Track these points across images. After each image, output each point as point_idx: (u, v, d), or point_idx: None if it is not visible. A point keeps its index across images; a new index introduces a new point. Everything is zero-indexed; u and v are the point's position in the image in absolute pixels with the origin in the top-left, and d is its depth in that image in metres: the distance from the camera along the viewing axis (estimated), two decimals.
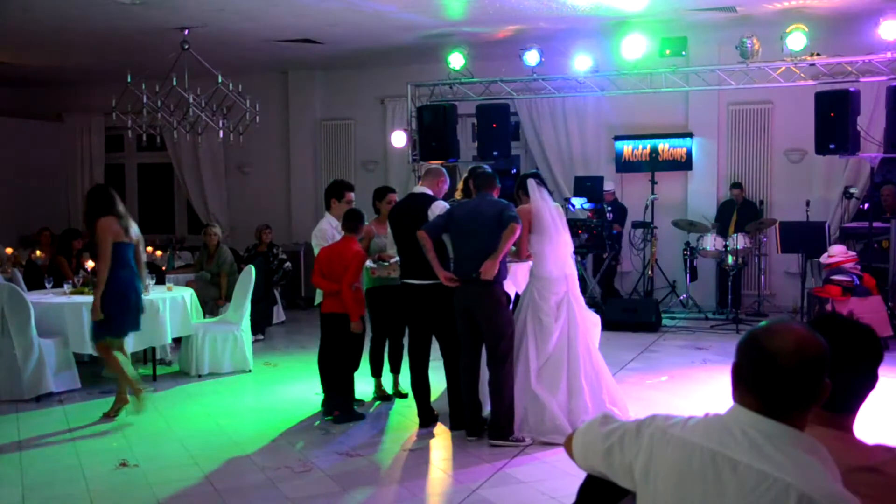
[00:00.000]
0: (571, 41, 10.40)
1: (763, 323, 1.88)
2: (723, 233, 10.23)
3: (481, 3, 8.86)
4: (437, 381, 6.08)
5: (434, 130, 10.77)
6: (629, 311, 9.88)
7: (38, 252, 10.42)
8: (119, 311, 6.14)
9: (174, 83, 9.20)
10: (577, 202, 10.60)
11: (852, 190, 9.99)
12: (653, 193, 10.81)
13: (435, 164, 8.78)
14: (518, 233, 5.44)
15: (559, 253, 5.85)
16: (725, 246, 9.86)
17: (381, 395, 6.83)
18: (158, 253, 11.06)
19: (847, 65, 9.28)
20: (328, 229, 6.65)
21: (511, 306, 5.81)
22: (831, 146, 9.18)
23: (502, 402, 5.49)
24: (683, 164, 11.11)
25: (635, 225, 10.81)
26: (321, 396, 6.47)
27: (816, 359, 1.76)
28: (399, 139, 11.67)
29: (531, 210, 5.84)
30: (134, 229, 6.33)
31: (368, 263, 6.51)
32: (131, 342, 7.26)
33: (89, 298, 7.28)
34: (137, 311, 6.29)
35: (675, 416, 1.95)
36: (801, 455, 1.72)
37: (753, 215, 10.49)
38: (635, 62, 9.97)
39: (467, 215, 5.63)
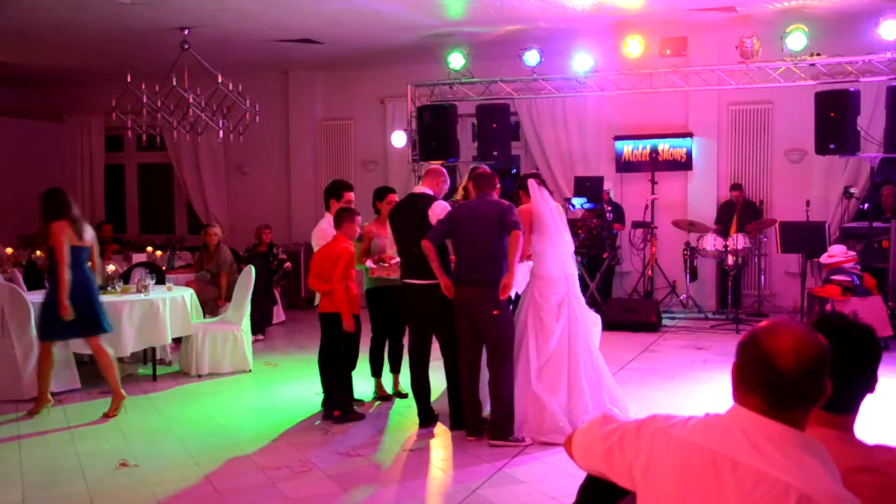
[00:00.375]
0: (571, 41, 10.40)
1: (763, 323, 1.88)
2: (723, 233, 10.23)
3: (481, 3, 8.86)
4: (437, 381, 6.08)
5: (434, 130, 10.78)
6: (629, 311, 9.89)
7: (38, 252, 10.42)
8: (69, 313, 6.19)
9: (174, 83, 9.20)
10: (577, 202, 10.61)
11: (852, 190, 9.99)
12: (652, 193, 10.81)
13: (435, 164, 8.78)
14: (522, 239, 5.47)
15: (560, 252, 5.85)
16: (725, 246, 9.86)
17: (381, 395, 6.83)
18: (158, 253, 11.06)
19: (847, 65, 9.29)
20: (328, 229, 6.64)
21: (511, 306, 5.82)
22: (831, 146, 9.18)
23: (502, 402, 5.49)
24: (683, 165, 11.11)
25: (635, 225, 10.81)
26: (321, 396, 6.48)
27: (817, 359, 1.76)
28: (399, 139, 11.67)
29: (532, 210, 5.85)
30: (88, 233, 6.44)
31: (368, 263, 6.51)
32: (132, 342, 7.30)
33: None
34: (90, 313, 6.30)
35: (675, 416, 1.95)
36: (801, 455, 1.72)
37: (753, 215, 10.48)
38: (635, 62, 9.98)
39: (467, 217, 5.63)
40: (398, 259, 6.15)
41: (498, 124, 10.65)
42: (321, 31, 10.20)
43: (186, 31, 9.58)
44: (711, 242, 10.01)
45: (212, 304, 9.00)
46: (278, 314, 10.63)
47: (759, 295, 10.50)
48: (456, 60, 10.52)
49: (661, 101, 10.85)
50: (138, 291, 7.59)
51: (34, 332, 6.79)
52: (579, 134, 11.60)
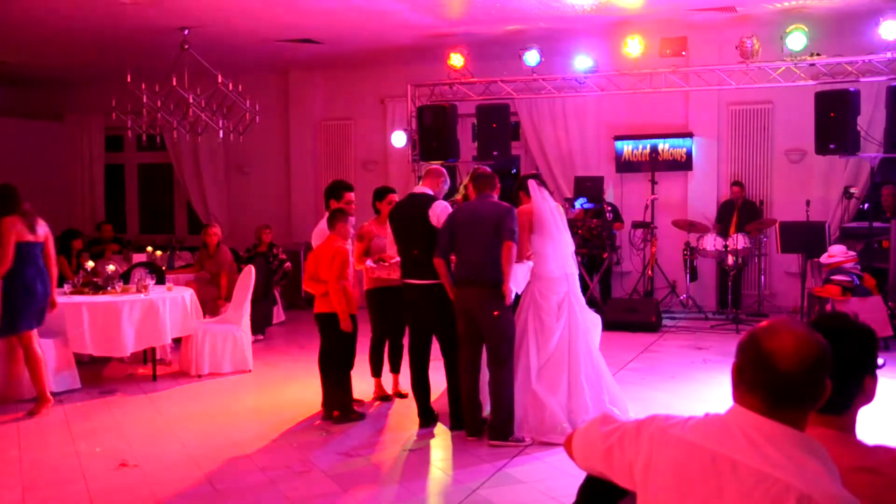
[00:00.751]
0: (571, 41, 10.40)
1: (763, 323, 1.88)
2: (722, 232, 10.23)
3: (481, 3, 8.86)
4: (437, 381, 6.08)
5: (434, 130, 10.78)
6: (629, 311, 9.89)
7: None
8: (23, 307, 6.31)
9: (174, 83, 9.20)
10: (577, 202, 10.61)
11: (852, 190, 9.99)
12: (652, 193, 10.81)
13: (435, 164, 8.78)
14: (514, 250, 5.48)
15: (560, 252, 5.86)
16: (725, 246, 9.86)
17: (380, 394, 6.83)
18: (158, 253, 11.06)
19: (847, 65, 9.29)
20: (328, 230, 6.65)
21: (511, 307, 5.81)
22: (831, 146, 9.18)
23: (502, 402, 5.50)
24: (683, 164, 11.11)
25: (635, 225, 10.81)
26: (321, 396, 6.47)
27: (817, 359, 1.76)
28: (399, 139, 11.67)
29: (532, 210, 5.85)
30: (42, 228, 6.52)
31: (368, 263, 6.51)
32: (132, 342, 7.30)
33: (90, 298, 7.34)
34: (42, 307, 6.45)
35: (675, 416, 1.95)
36: (801, 455, 1.72)
37: (753, 215, 10.48)
38: (635, 62, 9.98)
39: (467, 219, 5.64)
40: (398, 259, 6.15)
41: (498, 124, 10.65)
42: (321, 31, 10.20)
43: (186, 31, 9.58)
44: (711, 242, 10.01)
45: (212, 304, 8.99)
46: (278, 314, 10.63)
47: (759, 295, 10.50)
48: (456, 60, 10.53)
49: (661, 101, 10.86)
50: (138, 291, 7.60)
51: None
52: (579, 134, 11.59)
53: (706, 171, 11.13)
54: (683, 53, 10.05)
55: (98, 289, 7.65)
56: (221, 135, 9.99)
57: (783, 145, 10.90)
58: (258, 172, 13.58)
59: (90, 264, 8.31)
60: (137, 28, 9.69)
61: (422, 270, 5.81)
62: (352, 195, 6.77)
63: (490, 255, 5.50)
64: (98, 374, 7.74)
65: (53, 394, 6.79)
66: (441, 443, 5.73)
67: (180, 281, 9.12)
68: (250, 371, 7.92)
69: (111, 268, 8.07)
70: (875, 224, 9.41)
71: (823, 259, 8.87)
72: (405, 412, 6.41)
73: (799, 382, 1.75)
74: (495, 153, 10.61)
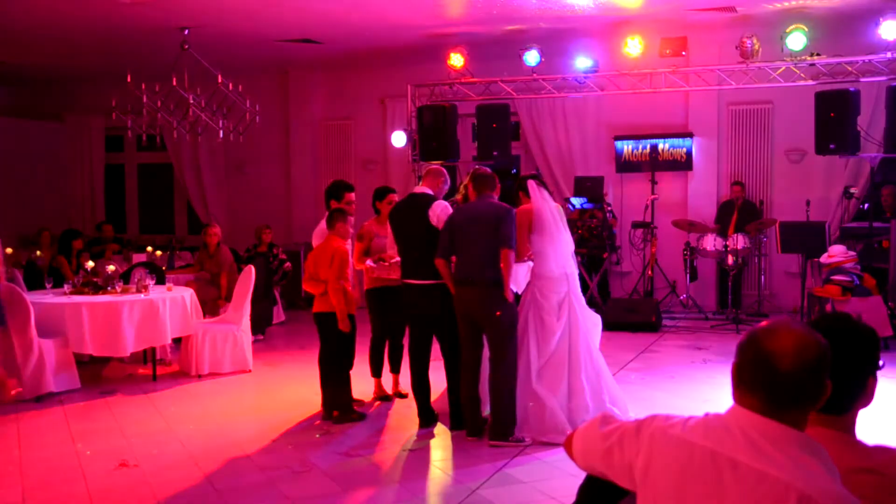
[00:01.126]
0: (571, 41, 10.41)
1: (763, 323, 1.88)
2: (721, 232, 10.23)
3: (481, 3, 8.86)
4: (437, 381, 6.08)
5: (434, 131, 10.78)
6: (629, 311, 9.89)
7: (38, 252, 10.42)
8: None
9: (174, 83, 9.20)
10: (577, 202, 10.60)
11: (852, 190, 9.99)
12: (652, 193, 10.81)
13: (435, 164, 8.78)
14: (512, 257, 5.50)
15: (560, 252, 5.86)
16: (725, 246, 9.86)
17: (380, 394, 6.83)
18: (158, 253, 11.06)
19: (847, 65, 9.29)
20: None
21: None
22: (831, 146, 9.18)
23: (502, 402, 5.49)
24: (683, 164, 11.10)
25: (635, 225, 10.81)
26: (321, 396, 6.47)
27: (817, 359, 1.76)
28: (399, 139, 11.67)
29: (532, 209, 5.85)
30: None
31: (368, 263, 6.51)
32: (132, 342, 7.30)
33: (90, 298, 7.34)
34: None
35: (674, 416, 1.95)
36: (801, 455, 1.72)
37: (753, 215, 10.48)
38: (635, 62, 9.98)
39: (467, 219, 5.65)
40: (398, 259, 6.15)
41: (498, 124, 10.65)
42: (321, 31, 10.20)
43: (186, 31, 9.58)
44: (711, 242, 10.01)
45: (212, 304, 8.99)
46: (278, 314, 10.63)
47: (759, 295, 10.50)
48: (456, 60, 10.52)
49: (661, 101, 10.85)
50: (138, 291, 7.60)
51: (34, 331, 6.81)
52: (579, 134, 11.59)
53: (706, 171, 11.13)
54: (683, 53, 10.04)
55: (98, 289, 7.65)
56: (221, 135, 9.99)
57: (783, 145, 10.90)
58: (258, 172, 13.58)
59: (90, 264, 8.31)
60: (137, 28, 9.69)
61: (422, 270, 5.81)
62: (352, 195, 6.76)
63: (490, 256, 5.50)
64: (98, 374, 7.74)
65: (53, 394, 6.81)
66: (441, 443, 5.73)
67: (180, 281, 9.12)
68: (250, 371, 7.92)
69: (111, 268, 8.07)
70: (875, 224, 9.41)
71: (823, 259, 8.87)
72: (405, 412, 6.41)
73: (799, 382, 1.75)
74: (495, 153, 10.61)
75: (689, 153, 11.08)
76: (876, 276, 8.72)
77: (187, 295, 7.82)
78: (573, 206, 10.48)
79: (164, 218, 14.61)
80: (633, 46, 9.84)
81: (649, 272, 10.63)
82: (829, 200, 10.47)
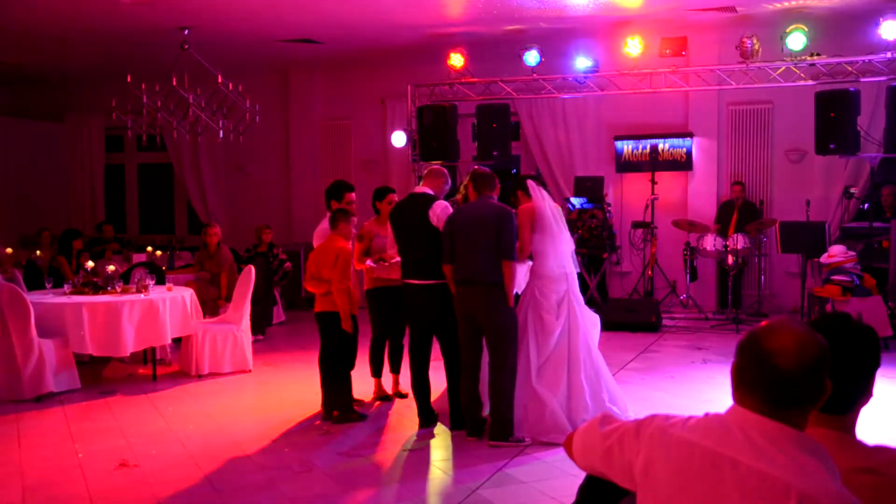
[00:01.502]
0: (571, 41, 10.40)
1: (763, 323, 1.88)
2: (721, 232, 10.23)
3: (481, 3, 8.86)
4: (437, 381, 6.08)
5: (434, 131, 10.78)
6: (629, 311, 9.89)
7: (38, 252, 10.43)
8: None
9: (174, 83, 9.21)
10: (577, 202, 10.60)
11: (852, 190, 9.99)
12: (652, 193, 10.81)
13: (435, 164, 8.78)
14: (514, 268, 5.53)
15: (560, 251, 5.86)
16: (725, 246, 9.86)
17: (380, 394, 6.83)
18: (158, 253, 11.06)
19: (847, 65, 9.29)
20: (329, 230, 6.65)
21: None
22: (831, 146, 9.19)
23: (502, 401, 5.50)
24: (683, 164, 11.11)
25: (635, 225, 10.81)
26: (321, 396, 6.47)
27: (817, 359, 1.76)
28: (399, 139, 11.67)
29: (533, 209, 5.85)
30: None
31: (368, 263, 6.51)
32: (132, 342, 7.30)
33: (90, 298, 7.34)
34: None
35: (675, 416, 1.95)
36: (801, 455, 1.72)
37: (753, 215, 10.48)
38: (635, 62, 9.98)
39: (467, 220, 5.65)
40: (398, 259, 6.15)
41: (498, 124, 10.65)
42: (321, 31, 10.20)
43: (186, 31, 9.58)
44: (711, 242, 10.01)
45: (212, 304, 8.99)
46: (278, 314, 10.63)
47: (759, 295, 10.50)
48: (456, 60, 10.53)
49: (661, 101, 10.85)
50: (138, 291, 7.60)
51: (34, 331, 6.81)
52: (579, 134, 11.59)
53: (706, 171, 11.14)
54: (683, 53, 10.05)
55: (98, 289, 7.66)
56: (221, 135, 9.99)
57: (783, 145, 10.90)
58: (258, 172, 13.58)
59: (90, 264, 8.31)
60: (137, 28, 9.69)
61: (422, 270, 5.81)
62: (353, 196, 6.77)
63: (491, 256, 5.50)
64: (98, 374, 7.74)
65: (53, 394, 6.80)
66: (441, 443, 5.73)
67: (180, 281, 9.12)
68: (250, 371, 7.92)
69: (111, 268, 8.07)
70: (875, 224, 9.41)
71: (823, 259, 8.88)
72: (405, 412, 6.41)
73: (799, 382, 1.75)
74: (495, 153, 10.61)
75: (689, 153, 11.08)
76: (876, 276, 8.73)
77: (187, 295, 7.82)
78: (573, 206, 10.48)
79: (164, 218, 14.61)
80: (633, 46, 9.85)
81: (649, 272, 10.63)
82: (829, 200, 10.47)
